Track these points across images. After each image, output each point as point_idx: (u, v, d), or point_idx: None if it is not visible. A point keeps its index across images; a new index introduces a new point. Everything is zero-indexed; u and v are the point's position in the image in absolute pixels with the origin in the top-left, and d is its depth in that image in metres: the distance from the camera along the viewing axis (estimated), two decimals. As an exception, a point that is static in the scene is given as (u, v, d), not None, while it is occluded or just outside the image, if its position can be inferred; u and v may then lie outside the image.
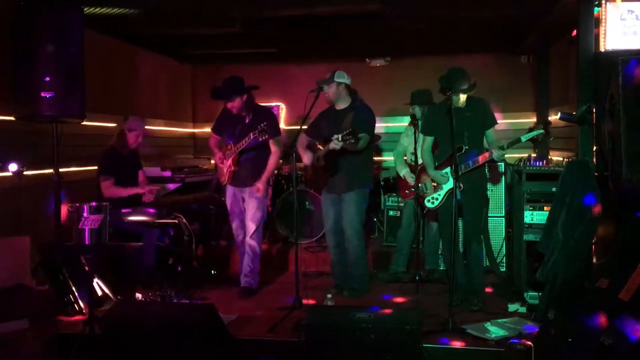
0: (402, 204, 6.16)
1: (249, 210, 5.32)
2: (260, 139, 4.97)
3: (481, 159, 4.63)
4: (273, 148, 5.24)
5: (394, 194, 6.70)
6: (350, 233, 5.13)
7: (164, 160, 7.73)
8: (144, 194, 5.52)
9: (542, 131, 4.55)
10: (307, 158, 5.22)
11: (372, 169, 5.39)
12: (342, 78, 5.09)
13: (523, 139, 4.56)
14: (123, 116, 6.99)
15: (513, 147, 4.57)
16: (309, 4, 5.82)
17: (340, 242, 5.26)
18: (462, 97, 4.63)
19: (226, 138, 5.44)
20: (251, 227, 5.29)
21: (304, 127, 5.08)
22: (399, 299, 5.17)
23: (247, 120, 5.29)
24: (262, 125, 4.91)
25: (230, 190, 5.46)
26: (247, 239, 5.31)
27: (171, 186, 6.76)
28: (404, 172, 5.84)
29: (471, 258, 4.83)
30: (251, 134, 4.98)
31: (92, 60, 5.62)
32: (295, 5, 5.90)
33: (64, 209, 5.14)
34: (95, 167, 5.58)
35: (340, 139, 4.62)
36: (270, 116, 5.39)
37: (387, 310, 3.90)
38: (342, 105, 5.16)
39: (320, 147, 5.17)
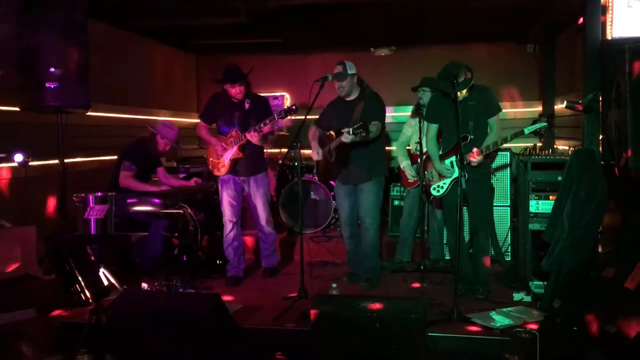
0: (405, 194, 6.15)
1: (258, 199, 5.40)
2: (287, 117, 5.06)
3: None
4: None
5: (399, 184, 6.68)
6: (369, 222, 5.06)
7: (169, 151, 7.72)
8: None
9: (545, 124, 4.49)
10: (316, 154, 5.22)
11: (386, 157, 5.33)
12: (353, 69, 5.02)
13: (526, 131, 4.52)
14: (127, 106, 7.01)
15: (517, 138, 4.54)
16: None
17: (355, 232, 5.27)
18: (463, 92, 4.59)
19: (222, 126, 5.36)
20: (263, 214, 5.44)
21: (309, 116, 5.01)
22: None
23: (246, 107, 5.27)
24: (290, 107, 4.95)
25: (228, 179, 5.37)
26: (262, 225, 5.47)
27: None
28: (404, 164, 5.81)
29: (478, 248, 4.81)
30: (275, 115, 4.99)
31: (97, 50, 5.62)
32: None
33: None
34: (101, 157, 5.58)
35: (351, 132, 4.53)
36: (267, 102, 5.51)
37: (393, 299, 3.90)
38: (352, 96, 5.08)
39: (332, 134, 5.07)
